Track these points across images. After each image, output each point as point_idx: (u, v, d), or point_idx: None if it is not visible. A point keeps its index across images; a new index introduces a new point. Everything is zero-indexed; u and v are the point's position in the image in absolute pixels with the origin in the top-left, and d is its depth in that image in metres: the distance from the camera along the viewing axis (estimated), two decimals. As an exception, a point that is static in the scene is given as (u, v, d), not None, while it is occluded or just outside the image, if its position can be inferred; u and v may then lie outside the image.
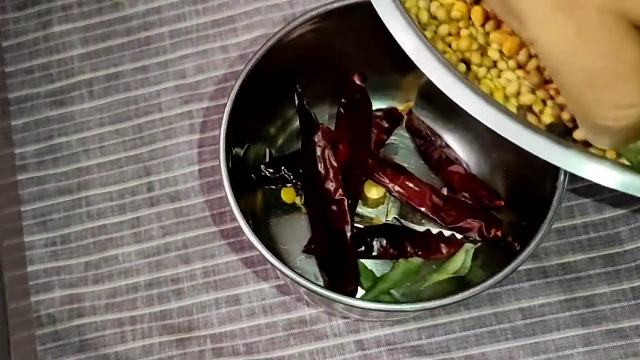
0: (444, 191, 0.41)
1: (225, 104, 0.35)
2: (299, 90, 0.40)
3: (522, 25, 0.21)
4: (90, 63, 0.47)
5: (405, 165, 0.42)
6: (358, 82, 0.39)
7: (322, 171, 0.38)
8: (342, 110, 0.40)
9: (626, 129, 0.20)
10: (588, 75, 0.20)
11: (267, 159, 0.41)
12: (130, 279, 0.43)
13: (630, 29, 0.19)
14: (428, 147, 0.41)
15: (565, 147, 0.26)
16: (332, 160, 0.38)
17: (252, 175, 0.40)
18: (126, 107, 0.46)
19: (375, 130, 0.41)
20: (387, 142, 0.42)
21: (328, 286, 0.37)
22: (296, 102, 0.40)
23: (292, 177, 0.40)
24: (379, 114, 0.42)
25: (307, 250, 0.40)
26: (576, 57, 0.20)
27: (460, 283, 0.38)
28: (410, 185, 0.40)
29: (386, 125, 0.41)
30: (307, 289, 0.32)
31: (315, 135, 0.38)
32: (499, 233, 0.37)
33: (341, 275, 0.37)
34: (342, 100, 0.40)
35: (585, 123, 0.21)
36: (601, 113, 0.20)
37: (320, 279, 0.39)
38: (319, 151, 0.38)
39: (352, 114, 0.40)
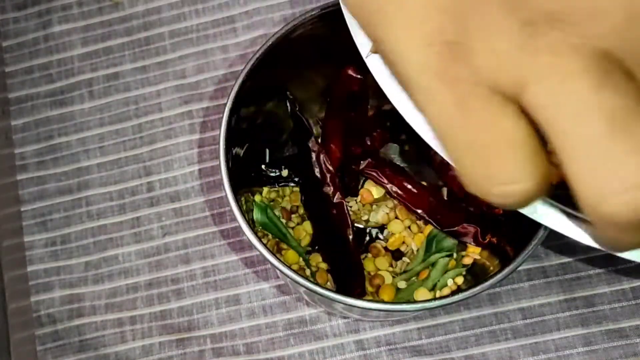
0: (444, 192, 0.41)
1: (225, 104, 0.35)
2: (291, 97, 0.40)
3: (411, 93, 0.20)
4: (90, 63, 0.47)
5: (405, 165, 0.42)
6: (353, 74, 0.39)
7: (319, 176, 0.38)
8: (332, 106, 0.40)
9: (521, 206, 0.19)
10: (470, 149, 0.19)
11: (267, 159, 0.41)
12: (130, 279, 0.43)
13: (506, 103, 0.18)
14: (431, 149, 0.41)
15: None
16: (327, 164, 0.38)
17: (252, 175, 0.40)
18: (126, 107, 0.46)
19: (379, 130, 0.41)
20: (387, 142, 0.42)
21: (336, 290, 0.37)
22: (289, 109, 0.40)
23: (293, 176, 0.40)
24: (384, 114, 0.42)
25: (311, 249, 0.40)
26: (457, 130, 0.19)
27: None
28: (409, 186, 0.40)
29: (390, 125, 0.41)
30: (307, 288, 0.32)
31: (309, 140, 0.38)
32: (494, 239, 0.37)
33: (348, 278, 0.37)
34: (334, 95, 0.40)
35: (481, 196, 0.20)
36: (489, 189, 0.19)
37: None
38: (313, 156, 0.38)
39: (344, 109, 0.40)
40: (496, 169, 0.19)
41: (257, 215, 0.38)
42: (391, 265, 0.40)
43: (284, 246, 0.39)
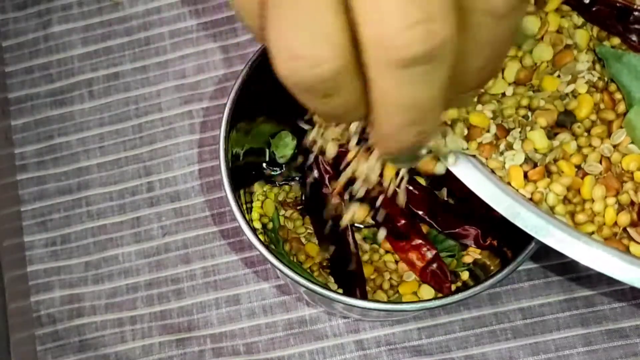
0: (444, 192, 0.40)
1: (225, 104, 0.35)
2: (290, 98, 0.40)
3: None
4: (90, 63, 0.47)
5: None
6: None
7: (318, 177, 0.38)
8: None
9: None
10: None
11: (267, 158, 0.41)
12: (130, 279, 0.43)
13: None
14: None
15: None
16: (326, 165, 0.38)
17: (253, 173, 0.40)
18: (126, 107, 0.46)
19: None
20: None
21: (336, 290, 0.37)
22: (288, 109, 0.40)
23: (294, 174, 0.40)
24: None
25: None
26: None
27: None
28: (409, 187, 0.40)
29: None
30: (307, 288, 0.32)
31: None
32: (494, 242, 0.37)
33: (348, 278, 0.37)
34: None
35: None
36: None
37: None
38: (312, 158, 0.38)
39: None
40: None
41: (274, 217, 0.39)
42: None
43: (304, 240, 0.39)
